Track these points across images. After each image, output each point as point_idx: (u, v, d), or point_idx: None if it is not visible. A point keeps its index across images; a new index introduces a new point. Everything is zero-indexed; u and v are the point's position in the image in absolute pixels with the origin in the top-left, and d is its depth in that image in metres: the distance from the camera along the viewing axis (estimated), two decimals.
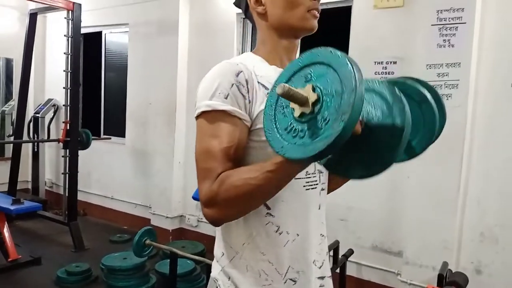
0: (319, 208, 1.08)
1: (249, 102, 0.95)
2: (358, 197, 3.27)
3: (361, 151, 0.87)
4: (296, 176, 0.95)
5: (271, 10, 1.04)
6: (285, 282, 1.01)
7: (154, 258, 3.73)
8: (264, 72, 1.01)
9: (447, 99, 2.76)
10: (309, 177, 1.04)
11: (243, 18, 4.06)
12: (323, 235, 1.10)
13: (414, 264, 2.93)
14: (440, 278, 2.05)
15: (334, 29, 3.86)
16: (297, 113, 0.78)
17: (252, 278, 1.00)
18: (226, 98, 0.93)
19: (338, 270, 2.94)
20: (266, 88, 0.98)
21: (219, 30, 4.13)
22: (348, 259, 3.04)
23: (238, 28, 4.06)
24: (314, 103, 0.76)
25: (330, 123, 0.73)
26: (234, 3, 1.17)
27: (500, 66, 2.76)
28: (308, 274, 1.05)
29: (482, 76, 2.79)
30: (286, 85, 0.74)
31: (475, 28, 2.72)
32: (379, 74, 3.25)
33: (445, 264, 2.41)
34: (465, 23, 2.72)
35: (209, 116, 0.94)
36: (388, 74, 3.22)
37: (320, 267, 1.09)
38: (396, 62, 3.18)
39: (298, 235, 1.02)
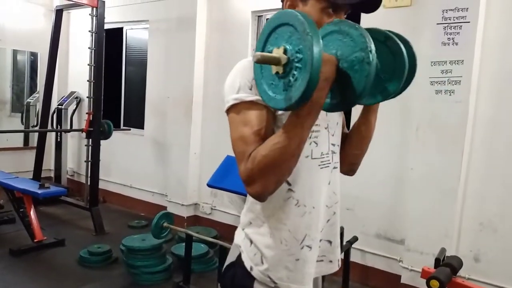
0: (329, 184, 1.24)
1: None
2: (364, 188, 3.43)
3: (347, 84, 0.97)
4: (313, 156, 1.15)
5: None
6: (302, 248, 1.16)
7: (171, 242, 3.95)
8: None
9: (450, 95, 2.90)
10: (323, 157, 1.20)
11: (258, 17, 4.24)
12: (327, 206, 1.24)
13: (415, 251, 3.08)
14: (437, 261, 2.19)
15: None
16: (273, 71, 0.94)
17: (274, 243, 1.15)
18: (250, 89, 1.05)
19: (342, 256, 3.10)
20: None
21: (235, 28, 4.31)
22: (354, 246, 3.19)
23: (253, 26, 4.23)
24: (285, 64, 0.91)
25: (299, 81, 0.88)
26: None
27: (502, 63, 2.88)
28: (317, 240, 1.21)
29: (484, 73, 2.92)
30: (258, 53, 0.90)
31: (479, 27, 2.84)
32: None
33: (443, 249, 2.54)
34: (469, 22, 2.85)
35: (238, 107, 1.06)
36: None
37: (320, 231, 1.23)
38: None
39: (314, 207, 1.17)
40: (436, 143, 2.98)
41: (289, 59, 0.90)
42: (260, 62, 0.91)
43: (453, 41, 2.90)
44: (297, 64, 0.89)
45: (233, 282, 1.19)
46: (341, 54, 0.97)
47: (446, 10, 2.92)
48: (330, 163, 1.22)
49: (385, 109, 3.37)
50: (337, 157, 1.27)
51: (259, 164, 0.99)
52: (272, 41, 0.96)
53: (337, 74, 0.97)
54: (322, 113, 1.17)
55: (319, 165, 1.19)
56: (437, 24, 2.96)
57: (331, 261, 1.28)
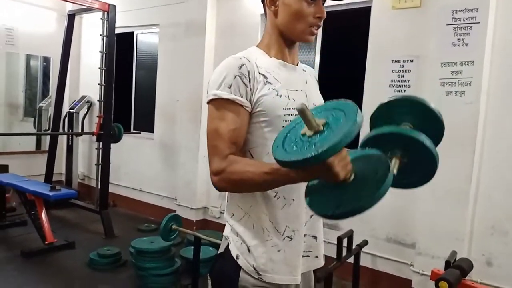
0: None
1: (250, 90, 1.14)
2: None
3: (346, 192, 0.95)
4: None
5: (280, 13, 1.22)
6: (283, 239, 1.19)
7: (179, 246, 3.95)
8: (265, 64, 1.20)
9: (460, 96, 2.87)
10: None
11: None
12: None
13: (426, 255, 3.04)
14: (447, 264, 2.16)
15: (353, 28, 4.01)
16: (302, 131, 0.93)
17: (257, 234, 1.18)
18: (229, 88, 1.12)
19: (352, 260, 3.06)
20: (265, 77, 1.17)
21: (244, 31, 4.33)
22: (363, 250, 3.15)
23: (262, 28, 4.25)
24: (317, 132, 0.91)
25: (312, 148, 0.86)
26: None
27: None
28: (301, 232, 1.22)
29: (495, 74, 2.88)
30: (305, 105, 0.89)
31: (489, 28, 2.82)
32: (396, 72, 3.37)
33: (453, 252, 2.50)
34: (479, 23, 2.82)
35: (217, 103, 1.14)
36: (405, 72, 3.34)
37: (304, 226, 1.23)
38: (412, 60, 3.30)
39: (293, 200, 1.19)
40: (446, 145, 2.90)
41: (323, 130, 0.91)
42: (300, 113, 0.90)
43: (463, 42, 2.88)
44: (324, 134, 0.90)
45: (221, 273, 1.23)
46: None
47: (456, 11, 2.90)
48: None
49: None
50: None
51: (231, 174, 1.08)
52: (322, 112, 0.98)
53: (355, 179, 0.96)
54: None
55: None
56: (447, 25, 2.94)
57: (317, 257, 1.30)
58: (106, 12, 4.52)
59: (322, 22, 1.23)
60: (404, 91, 3.34)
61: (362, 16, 3.59)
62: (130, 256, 3.53)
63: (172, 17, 4.95)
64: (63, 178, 6.08)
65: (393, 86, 3.41)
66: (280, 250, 1.18)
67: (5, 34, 5.48)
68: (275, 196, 1.18)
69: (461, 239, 2.89)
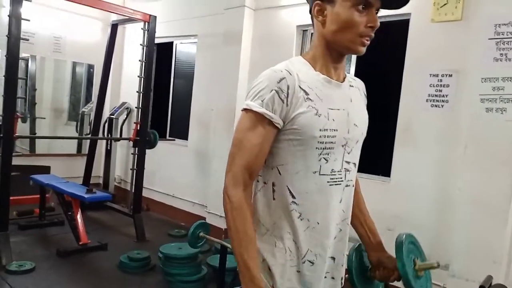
0: (340, 202, 1.21)
1: (287, 106, 1.10)
2: (405, 208, 3.30)
3: None
4: (321, 173, 1.14)
5: (329, 23, 1.15)
6: (303, 263, 1.16)
7: (207, 253, 3.98)
8: (308, 78, 1.14)
9: (502, 113, 2.74)
10: (334, 175, 1.18)
11: (303, 31, 4.25)
12: (336, 223, 1.23)
13: (461, 278, 2.89)
14: None
15: (390, 41, 3.93)
16: (416, 268, 1.29)
17: (279, 252, 1.16)
18: (263, 101, 1.10)
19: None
20: (306, 93, 1.12)
21: (279, 42, 4.34)
22: None
23: (298, 40, 4.25)
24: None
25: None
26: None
27: None
28: (324, 257, 1.19)
29: None
30: (420, 265, 1.28)
31: None
32: (434, 86, 3.27)
33: (489, 277, 2.37)
34: None
35: (248, 113, 1.13)
36: (443, 86, 3.23)
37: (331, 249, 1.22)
38: (451, 75, 3.19)
39: (318, 223, 1.16)
40: (485, 163, 2.81)
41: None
42: (420, 269, 1.28)
43: (506, 57, 2.75)
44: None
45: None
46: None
47: (499, 24, 2.78)
48: (342, 181, 1.20)
49: (431, 125, 3.26)
50: (351, 175, 1.24)
51: (228, 212, 1.14)
52: (408, 252, 1.28)
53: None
54: (344, 129, 1.18)
55: (328, 182, 1.17)
56: (489, 39, 2.82)
57: (333, 278, 1.26)
58: (147, 23, 4.67)
59: (373, 33, 1.15)
60: (442, 106, 3.24)
61: (399, 29, 3.52)
62: (159, 260, 3.59)
63: (210, 27, 5.05)
64: (101, 181, 6.30)
65: (430, 101, 3.30)
66: (299, 271, 1.16)
67: (53, 42, 5.78)
68: (299, 217, 1.15)
69: (498, 262, 2.74)
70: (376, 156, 4.03)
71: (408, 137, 3.42)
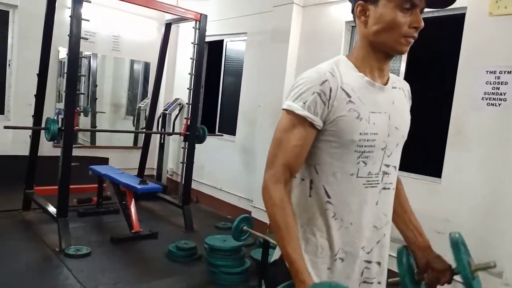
0: (376, 204, 1.21)
1: (328, 108, 1.11)
2: (455, 211, 3.16)
3: None
4: (359, 175, 1.15)
5: (371, 24, 1.14)
6: (335, 260, 1.18)
7: (251, 247, 4.05)
8: (351, 80, 1.14)
9: None
10: (371, 177, 1.18)
11: (352, 27, 4.18)
12: (376, 227, 1.22)
13: None
14: None
15: (443, 36, 3.76)
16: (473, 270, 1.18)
17: (311, 249, 1.18)
18: (304, 103, 1.11)
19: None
20: (348, 95, 1.12)
21: (327, 39, 4.30)
22: None
23: (346, 36, 4.19)
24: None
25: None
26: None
27: None
28: (355, 256, 1.19)
29: None
30: (477, 266, 1.17)
31: None
32: (490, 84, 3.10)
33: None
34: None
35: (289, 114, 1.14)
36: (501, 84, 3.05)
37: (368, 253, 1.22)
38: (510, 71, 3.00)
39: (351, 224, 1.17)
40: None
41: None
42: (476, 271, 1.18)
43: None
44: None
45: (276, 280, 1.22)
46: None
47: None
48: (378, 183, 1.20)
49: (486, 125, 3.09)
50: (390, 178, 1.23)
51: (269, 208, 1.13)
52: (462, 254, 1.19)
53: None
54: (384, 133, 1.17)
55: (364, 184, 1.17)
56: None
57: (379, 283, 1.26)
58: (198, 22, 4.81)
59: (417, 33, 1.13)
60: (499, 105, 3.06)
61: (454, 23, 3.37)
62: (204, 251, 3.71)
63: (259, 25, 5.10)
64: (155, 173, 6.58)
65: (487, 99, 3.13)
66: (329, 269, 1.18)
67: (112, 41, 6.11)
68: (333, 217, 1.17)
69: None
70: (426, 155, 3.89)
71: (461, 136, 3.27)
